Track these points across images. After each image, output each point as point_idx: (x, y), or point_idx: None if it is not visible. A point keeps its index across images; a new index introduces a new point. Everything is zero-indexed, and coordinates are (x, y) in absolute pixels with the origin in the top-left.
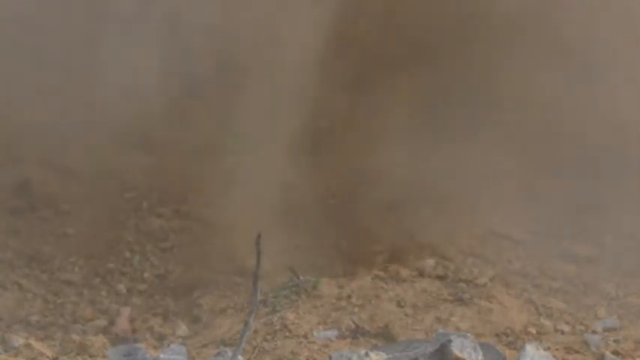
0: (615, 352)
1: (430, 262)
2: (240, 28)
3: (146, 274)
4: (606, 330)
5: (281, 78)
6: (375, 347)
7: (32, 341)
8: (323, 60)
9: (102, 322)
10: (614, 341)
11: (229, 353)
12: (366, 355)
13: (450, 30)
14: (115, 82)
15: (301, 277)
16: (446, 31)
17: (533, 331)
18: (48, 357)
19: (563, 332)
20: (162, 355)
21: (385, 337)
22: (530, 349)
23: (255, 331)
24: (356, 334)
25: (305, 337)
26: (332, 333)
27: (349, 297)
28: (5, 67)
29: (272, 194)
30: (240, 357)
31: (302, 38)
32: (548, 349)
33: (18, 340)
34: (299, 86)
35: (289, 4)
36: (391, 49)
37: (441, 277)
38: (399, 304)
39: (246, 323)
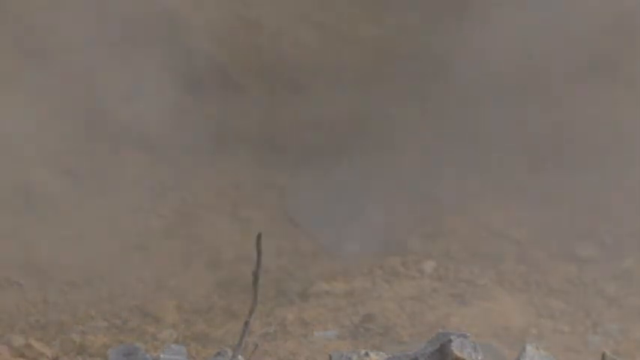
0: (615, 352)
1: (430, 263)
2: None
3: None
4: (606, 330)
5: None
6: (375, 347)
7: (32, 341)
8: None
9: (102, 322)
10: (614, 341)
11: (229, 353)
12: (366, 355)
13: None
14: None
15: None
16: None
17: (534, 331)
18: (48, 357)
19: (563, 332)
20: (162, 355)
21: (385, 337)
22: (530, 349)
23: (255, 331)
24: (356, 334)
25: (305, 337)
26: (332, 333)
27: (350, 297)
28: None
29: None
30: (240, 357)
31: None
32: (548, 349)
33: (18, 340)
34: None
35: None
36: None
37: (441, 277)
38: (400, 305)
39: (246, 323)
